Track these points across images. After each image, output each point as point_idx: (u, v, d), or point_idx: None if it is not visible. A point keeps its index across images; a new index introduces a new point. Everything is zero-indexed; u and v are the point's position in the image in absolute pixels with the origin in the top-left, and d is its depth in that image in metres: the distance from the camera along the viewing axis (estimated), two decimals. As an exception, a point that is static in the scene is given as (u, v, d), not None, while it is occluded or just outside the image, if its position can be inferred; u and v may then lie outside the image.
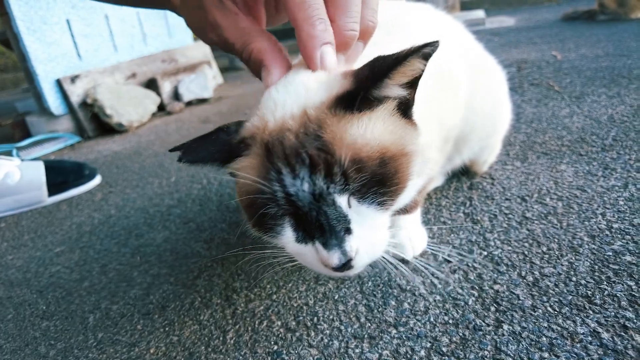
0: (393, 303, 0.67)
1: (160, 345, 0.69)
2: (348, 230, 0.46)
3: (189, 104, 2.62)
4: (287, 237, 0.49)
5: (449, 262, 0.74)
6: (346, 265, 0.46)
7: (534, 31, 3.13)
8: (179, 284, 0.84)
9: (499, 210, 0.87)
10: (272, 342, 0.64)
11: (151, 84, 2.53)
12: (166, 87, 2.56)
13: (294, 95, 0.47)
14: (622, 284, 0.63)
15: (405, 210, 0.76)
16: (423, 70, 0.47)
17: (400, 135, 0.48)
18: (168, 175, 1.46)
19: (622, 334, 0.55)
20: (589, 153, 1.06)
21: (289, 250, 0.50)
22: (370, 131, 0.46)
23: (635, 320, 0.56)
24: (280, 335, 0.65)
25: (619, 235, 0.74)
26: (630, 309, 0.58)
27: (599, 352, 0.53)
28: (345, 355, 0.59)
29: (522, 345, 0.56)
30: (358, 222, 0.47)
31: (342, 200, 0.45)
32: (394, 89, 0.47)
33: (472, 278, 0.69)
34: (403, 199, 0.66)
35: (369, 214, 0.47)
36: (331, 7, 0.50)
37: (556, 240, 0.75)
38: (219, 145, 0.49)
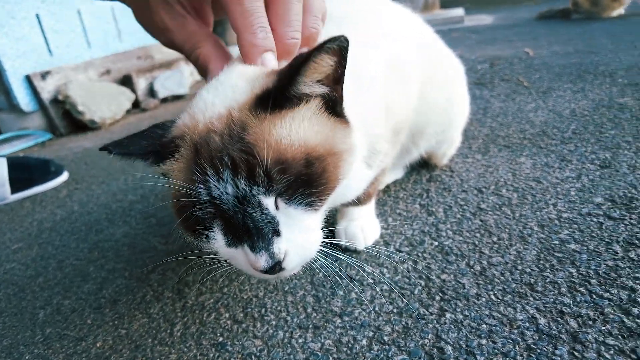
0: (341, 293, 0.67)
1: (108, 338, 0.68)
2: (276, 233, 0.46)
3: (165, 100, 2.59)
4: (218, 241, 0.49)
5: (400, 252, 0.75)
6: (276, 267, 0.46)
7: (510, 29, 3.17)
8: (133, 278, 0.82)
9: (454, 201, 0.88)
10: (218, 334, 0.64)
11: (126, 81, 2.49)
12: (141, 83, 2.53)
13: (222, 96, 0.47)
14: (564, 271, 0.64)
15: (358, 202, 0.76)
16: (338, 65, 0.45)
17: (327, 135, 0.47)
18: (135, 171, 1.45)
19: (558, 319, 0.56)
20: (549, 146, 1.07)
21: (221, 254, 0.50)
22: (295, 131, 0.45)
23: (572, 306, 0.57)
24: (227, 327, 0.65)
25: (566, 225, 0.75)
26: (569, 294, 0.59)
27: (534, 337, 0.54)
28: (288, 345, 0.59)
29: (462, 332, 0.56)
30: (287, 224, 0.46)
31: (268, 202, 0.45)
32: (311, 86, 0.47)
33: (421, 268, 0.70)
34: (350, 194, 0.66)
35: (298, 215, 0.47)
36: (272, 17, 0.51)
37: (507, 230, 0.76)
38: (150, 140, 0.49)
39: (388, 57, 0.71)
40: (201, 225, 0.48)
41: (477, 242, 0.74)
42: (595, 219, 0.75)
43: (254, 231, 0.44)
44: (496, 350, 0.52)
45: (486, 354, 0.52)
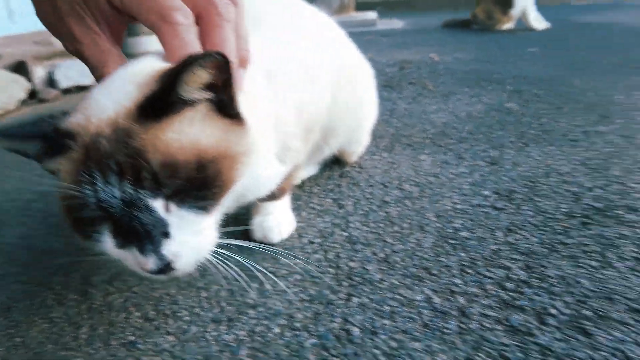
0: (256, 286, 0.69)
1: (0, 349, 0.62)
2: (166, 235, 0.46)
3: (68, 91, 2.38)
4: (107, 243, 0.48)
5: (313, 243, 0.78)
6: (166, 269, 0.46)
7: (419, 34, 3.40)
8: (31, 282, 0.77)
9: (362, 195, 0.94)
10: (129, 333, 0.62)
11: (20, 68, 2.25)
12: (39, 72, 2.30)
13: (112, 99, 0.46)
14: (456, 256, 0.72)
15: (273, 197, 0.78)
16: (219, 74, 0.46)
17: (220, 137, 0.48)
18: (33, 167, 1.32)
19: (450, 297, 0.63)
20: (447, 145, 1.19)
21: (112, 255, 0.50)
22: (185, 134, 0.46)
23: (460, 285, 0.65)
24: (137, 326, 0.63)
25: (459, 215, 0.84)
26: (459, 276, 0.67)
27: (429, 315, 0.60)
28: (202, 338, 0.59)
29: (367, 314, 0.61)
30: (178, 225, 0.47)
31: (157, 205, 0.45)
32: (194, 92, 0.47)
33: (331, 257, 0.74)
34: (263, 190, 0.67)
35: (191, 217, 0.48)
36: (207, 44, 0.51)
37: (408, 220, 0.83)
38: (40, 128, 0.47)
39: (301, 58, 0.74)
40: (90, 227, 0.47)
41: (381, 232, 0.80)
42: (483, 210, 0.85)
43: (143, 234, 0.45)
44: (397, 329, 0.58)
45: (388, 333, 0.57)
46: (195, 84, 0.46)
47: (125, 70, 0.50)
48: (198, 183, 0.46)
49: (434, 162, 1.08)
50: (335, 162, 1.10)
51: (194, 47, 0.50)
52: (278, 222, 0.79)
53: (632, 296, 0.60)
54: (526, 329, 0.56)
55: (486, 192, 0.92)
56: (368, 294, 0.65)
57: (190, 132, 0.46)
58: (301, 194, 0.97)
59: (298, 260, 0.74)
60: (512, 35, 3.18)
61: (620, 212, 0.81)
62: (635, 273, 0.65)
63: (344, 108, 0.89)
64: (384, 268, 0.70)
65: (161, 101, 0.45)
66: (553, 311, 0.59)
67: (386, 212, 0.86)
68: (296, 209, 0.90)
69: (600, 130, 1.22)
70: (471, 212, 0.85)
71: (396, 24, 4.06)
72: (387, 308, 0.62)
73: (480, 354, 0.53)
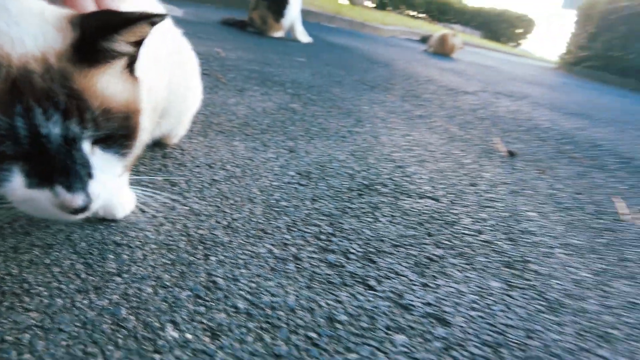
0: (111, 257, 0.71)
1: None
2: (90, 175, 0.50)
3: None
4: (15, 182, 0.47)
5: (156, 217, 0.84)
6: (84, 208, 0.50)
7: (198, 27, 3.47)
8: None
9: (192, 174, 1.04)
10: (-30, 318, 0.56)
11: None
12: None
13: (31, 36, 0.46)
14: (282, 219, 0.92)
15: (115, 174, 0.80)
16: (148, 34, 0.54)
17: (133, 92, 0.55)
18: None
19: (285, 249, 0.82)
20: (253, 134, 1.38)
21: (16, 196, 0.48)
22: (114, 84, 0.51)
23: (290, 240, 0.85)
24: (-20, 309, 0.58)
25: (277, 189, 1.04)
26: (288, 233, 0.87)
27: (274, 261, 0.77)
28: (74, 308, 0.60)
29: (227, 267, 0.74)
30: (100, 168, 0.51)
31: (87, 146, 0.49)
32: (123, 45, 0.52)
33: (179, 227, 0.83)
34: (134, 154, 0.71)
35: (111, 162, 0.52)
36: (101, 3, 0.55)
37: (239, 195, 0.98)
38: None
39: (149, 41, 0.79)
40: None
41: (219, 205, 0.93)
42: (292, 186, 1.08)
43: (72, 172, 0.47)
44: (253, 274, 0.73)
45: (247, 278, 0.72)
46: (133, 38, 0.50)
47: (21, 5, 0.48)
48: (124, 131, 0.50)
49: (246, 148, 1.25)
50: (155, 145, 1.13)
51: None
52: (120, 198, 0.81)
53: (392, 237, 0.93)
54: (339, 263, 0.81)
55: (292, 173, 1.15)
56: (222, 253, 0.77)
57: (117, 83, 0.50)
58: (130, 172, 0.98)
59: (147, 233, 0.79)
60: (283, 43, 3.63)
61: (378, 187, 1.18)
62: (392, 223, 0.99)
63: (177, 92, 0.96)
64: (230, 232, 0.84)
65: (94, 48, 0.47)
66: (352, 250, 0.85)
67: (218, 189, 0.99)
68: (130, 185, 0.92)
69: (358, 131, 1.64)
70: (285, 187, 1.06)
71: (175, 11, 4.00)
72: (240, 261, 0.76)
73: (314, 283, 0.74)
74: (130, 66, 0.56)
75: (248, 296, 0.68)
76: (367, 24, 7.49)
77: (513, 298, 0.82)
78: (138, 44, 0.54)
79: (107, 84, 0.50)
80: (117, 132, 0.50)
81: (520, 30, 16.36)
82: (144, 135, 0.81)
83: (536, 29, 16.78)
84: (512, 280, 0.87)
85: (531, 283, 0.88)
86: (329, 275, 0.77)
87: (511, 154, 1.73)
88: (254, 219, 0.90)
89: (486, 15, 15.45)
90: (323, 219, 0.95)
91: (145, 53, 0.75)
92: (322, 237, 0.88)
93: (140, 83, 0.58)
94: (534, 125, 2.41)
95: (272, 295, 0.69)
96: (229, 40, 3.10)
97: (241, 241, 0.82)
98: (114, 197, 0.80)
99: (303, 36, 3.87)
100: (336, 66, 3.03)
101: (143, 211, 0.85)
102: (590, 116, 3.14)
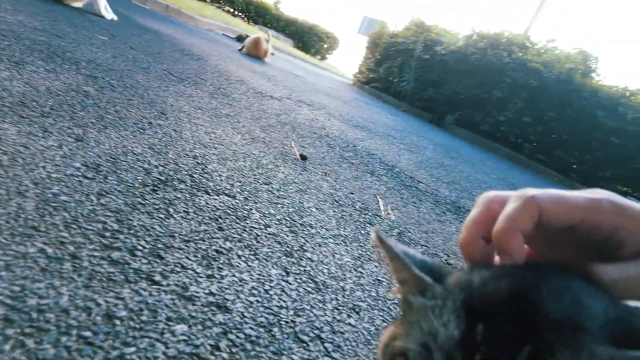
0: None
1: None
2: None
3: None
4: None
5: None
6: None
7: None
8: None
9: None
10: None
11: None
12: None
13: None
14: (60, 215, 0.85)
15: None
16: None
17: None
18: None
19: (61, 247, 0.77)
20: (31, 117, 1.21)
21: None
22: None
23: (68, 237, 0.80)
24: None
25: (56, 182, 0.95)
26: (66, 230, 0.81)
27: (45, 262, 0.72)
28: None
29: (-20, 270, 0.65)
30: None
31: None
32: None
33: None
34: None
35: None
36: None
37: (4, 187, 0.86)
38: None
39: None
40: None
41: (-24, 198, 0.80)
42: (77, 179, 1.00)
43: None
44: (16, 276, 0.67)
45: (8, 281, 0.65)
46: None
47: None
48: None
49: (19, 132, 1.09)
50: None
51: None
52: None
53: (183, 233, 0.96)
54: (123, 260, 0.80)
55: (77, 164, 1.06)
56: (-24, 254, 0.68)
57: None
58: None
59: None
60: (82, 15, 3.19)
61: (175, 182, 1.19)
62: (185, 219, 1.02)
63: None
64: (-11, 230, 0.74)
65: None
66: (139, 247, 0.86)
67: (-23, 179, 0.85)
68: None
69: (160, 124, 1.60)
70: (66, 180, 0.98)
71: None
72: (1, 263, 0.68)
73: (94, 281, 0.72)
74: None
75: (8, 301, 0.62)
76: (185, 12, 7.20)
77: (288, 283, 0.95)
78: None
79: None
80: None
81: (327, 46, 18.15)
82: None
83: (340, 47, 18.86)
84: (289, 267, 1.01)
85: (305, 269, 1.03)
86: (111, 273, 0.76)
87: (303, 158, 1.95)
88: (24, 215, 0.81)
89: (299, 26, 16.59)
90: (109, 215, 0.92)
91: None
92: (107, 234, 0.86)
93: None
94: (326, 134, 2.75)
95: (40, 297, 0.65)
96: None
97: (4, 240, 0.73)
98: None
99: (107, 12, 3.49)
100: (144, 52, 2.84)
101: None
102: (369, 129, 3.75)
